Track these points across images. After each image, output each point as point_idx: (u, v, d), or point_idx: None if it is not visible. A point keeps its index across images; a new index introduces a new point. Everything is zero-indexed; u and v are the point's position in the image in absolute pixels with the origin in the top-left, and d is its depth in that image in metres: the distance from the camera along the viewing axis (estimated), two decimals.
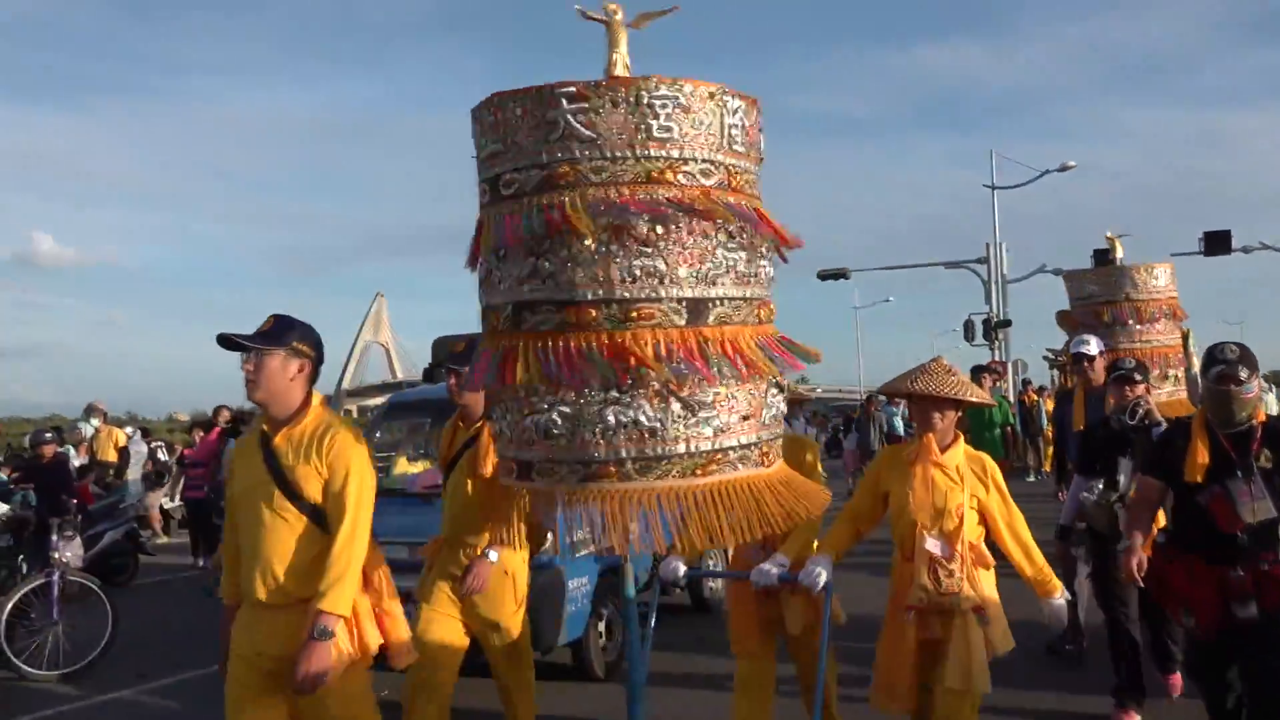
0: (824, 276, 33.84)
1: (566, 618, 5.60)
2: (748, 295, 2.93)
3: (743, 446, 2.88)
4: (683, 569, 4.46)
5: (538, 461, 2.86)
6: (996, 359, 26.05)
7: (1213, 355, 3.67)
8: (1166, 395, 7.18)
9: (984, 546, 3.93)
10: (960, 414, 3.92)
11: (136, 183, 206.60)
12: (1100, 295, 7.69)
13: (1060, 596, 3.91)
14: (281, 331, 3.15)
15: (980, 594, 3.75)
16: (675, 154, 2.77)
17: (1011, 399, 17.41)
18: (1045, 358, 16.38)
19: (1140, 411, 5.00)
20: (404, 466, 6.71)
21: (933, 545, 3.73)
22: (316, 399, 3.21)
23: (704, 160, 2.81)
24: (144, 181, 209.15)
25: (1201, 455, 3.64)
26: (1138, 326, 7.46)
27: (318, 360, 3.22)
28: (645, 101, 2.71)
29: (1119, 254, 8.29)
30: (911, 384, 3.81)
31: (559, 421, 2.76)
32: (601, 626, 6.05)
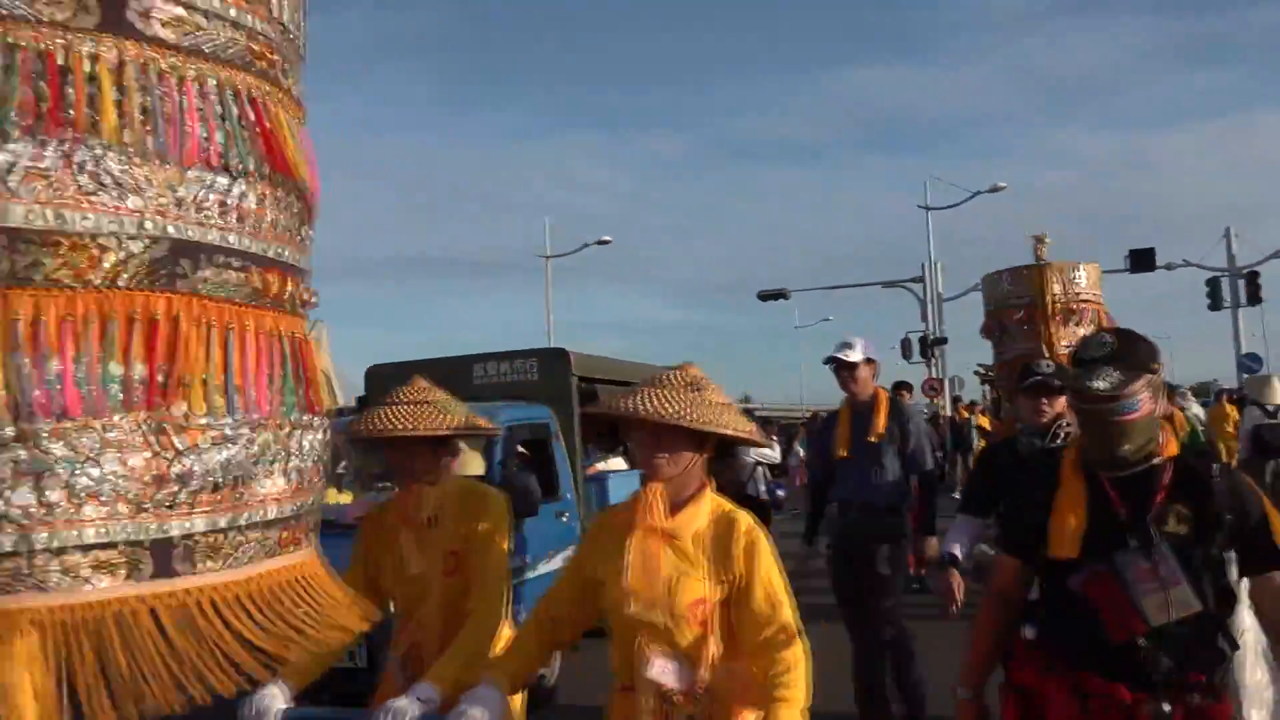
0: (764, 297, 34.22)
1: None
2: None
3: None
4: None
5: None
6: (933, 376, 26.51)
7: (1075, 354, 2.40)
8: None
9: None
10: (709, 454, 2.39)
11: None
12: (1017, 297, 7.13)
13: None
14: None
15: None
16: None
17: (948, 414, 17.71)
18: (976, 373, 16.41)
19: (1063, 434, 3.89)
20: (332, 496, 6.61)
21: (660, 669, 2.30)
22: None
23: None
24: None
25: (1071, 515, 2.32)
26: (1060, 330, 6.95)
27: None
28: None
29: (1044, 254, 7.62)
30: (623, 403, 2.30)
31: None
32: None
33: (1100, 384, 2.24)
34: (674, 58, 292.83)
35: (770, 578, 2.30)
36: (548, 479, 6.57)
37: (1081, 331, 6.77)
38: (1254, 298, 30.60)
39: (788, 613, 2.29)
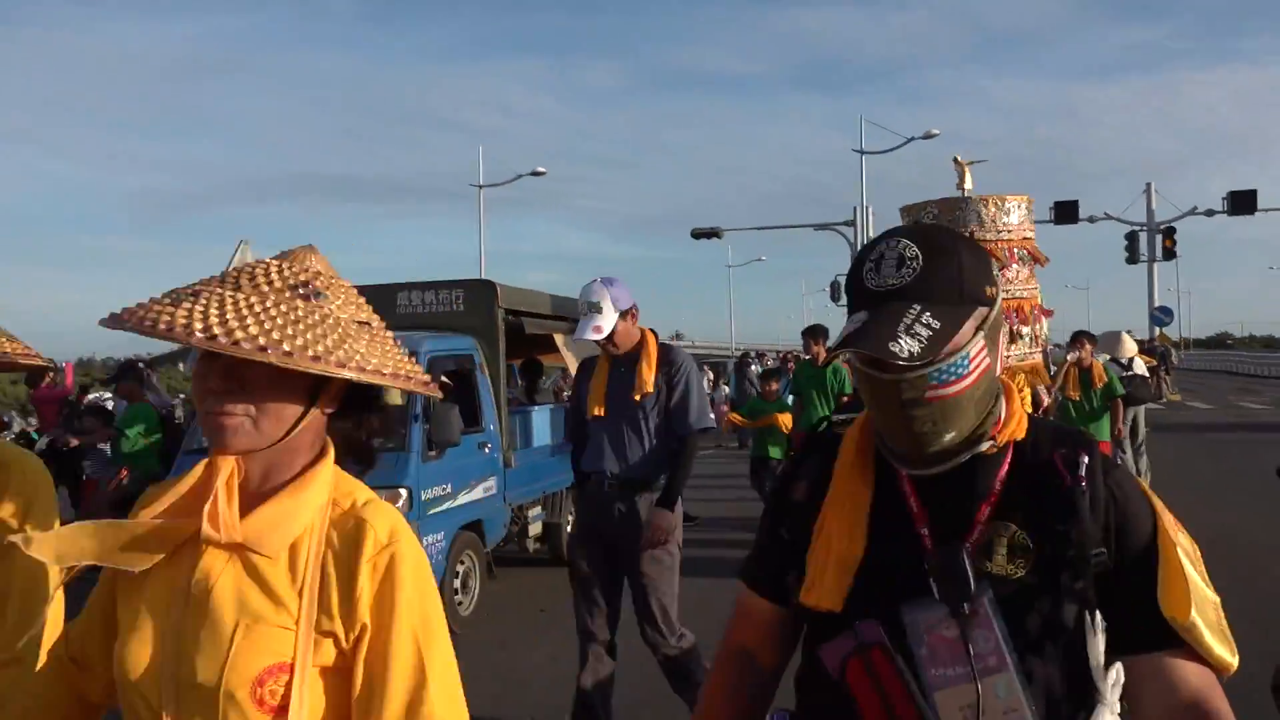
0: (697, 235, 34.23)
1: None
2: None
3: None
4: None
5: None
6: None
7: (850, 277, 1.39)
8: (1016, 360, 6.33)
9: None
10: (330, 408, 1.35)
11: None
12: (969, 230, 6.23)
13: None
14: None
15: None
16: None
17: None
18: None
19: None
20: None
21: None
22: None
23: None
24: None
25: (839, 538, 1.41)
26: (1013, 272, 6.39)
27: None
28: None
29: (968, 184, 6.85)
30: (168, 316, 1.18)
31: None
32: (457, 583, 6.07)
33: (904, 344, 1.23)
34: None
35: (422, 631, 1.27)
36: (471, 410, 6.58)
37: (1010, 275, 6.26)
38: (1169, 253, 31.58)
39: (438, 699, 1.25)
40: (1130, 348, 13.55)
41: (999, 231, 6.30)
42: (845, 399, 8.14)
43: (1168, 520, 1.40)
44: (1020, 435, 1.40)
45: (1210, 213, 30.82)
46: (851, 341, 1.27)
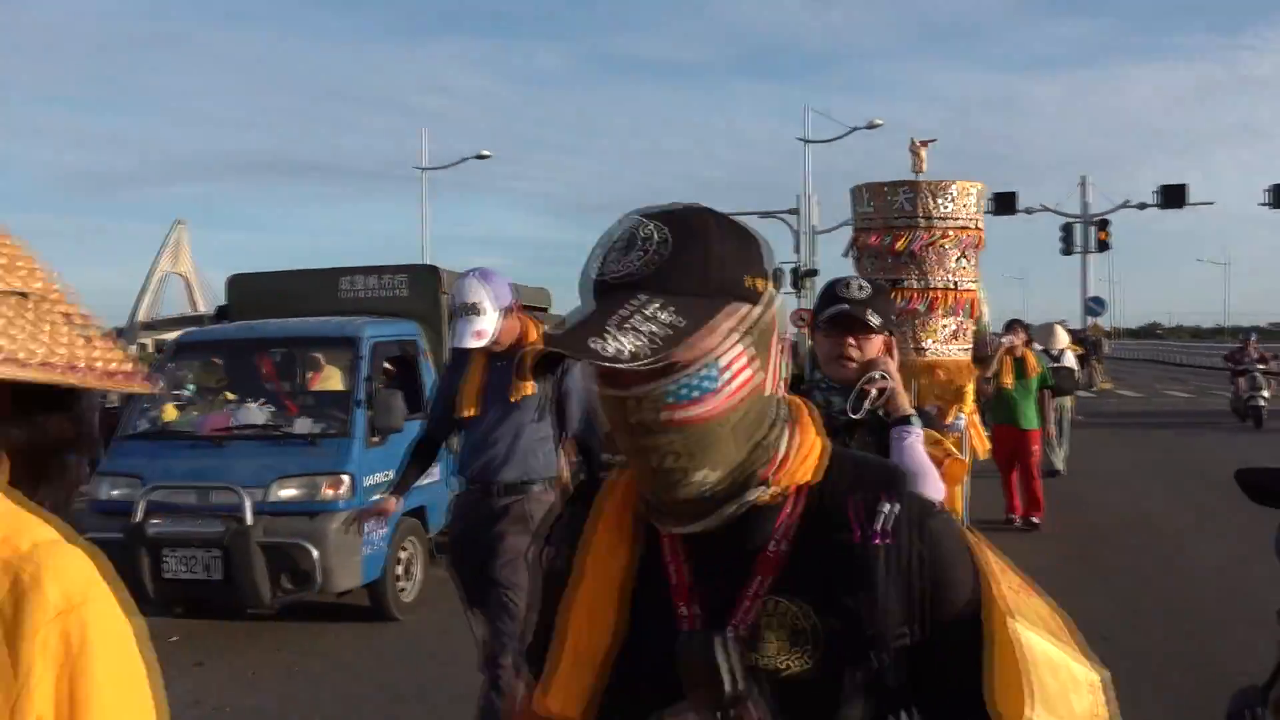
0: None
1: (363, 559, 5.61)
2: None
3: None
4: None
5: None
6: (802, 307, 27.23)
7: (587, 268, 0.99)
8: (955, 356, 6.43)
9: None
10: None
11: None
12: (881, 217, 6.16)
13: None
14: None
15: None
16: None
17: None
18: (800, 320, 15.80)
19: (872, 393, 2.42)
20: (171, 414, 6.39)
21: None
22: None
23: None
24: None
25: (590, 618, 1.05)
26: (930, 261, 6.14)
27: None
28: None
29: (922, 166, 6.70)
30: None
31: None
32: (400, 569, 6.08)
33: (613, 342, 0.91)
34: None
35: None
36: (414, 396, 6.57)
37: (951, 265, 6.16)
38: (1103, 245, 32.39)
39: None
40: (1062, 340, 13.97)
41: (947, 219, 6.17)
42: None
43: (1000, 586, 1.00)
44: (809, 477, 1.03)
45: (1142, 206, 31.68)
46: (552, 341, 0.96)
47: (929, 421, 2.59)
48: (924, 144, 6.80)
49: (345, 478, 5.55)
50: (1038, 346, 14.23)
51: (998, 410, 8.77)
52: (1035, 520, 8.60)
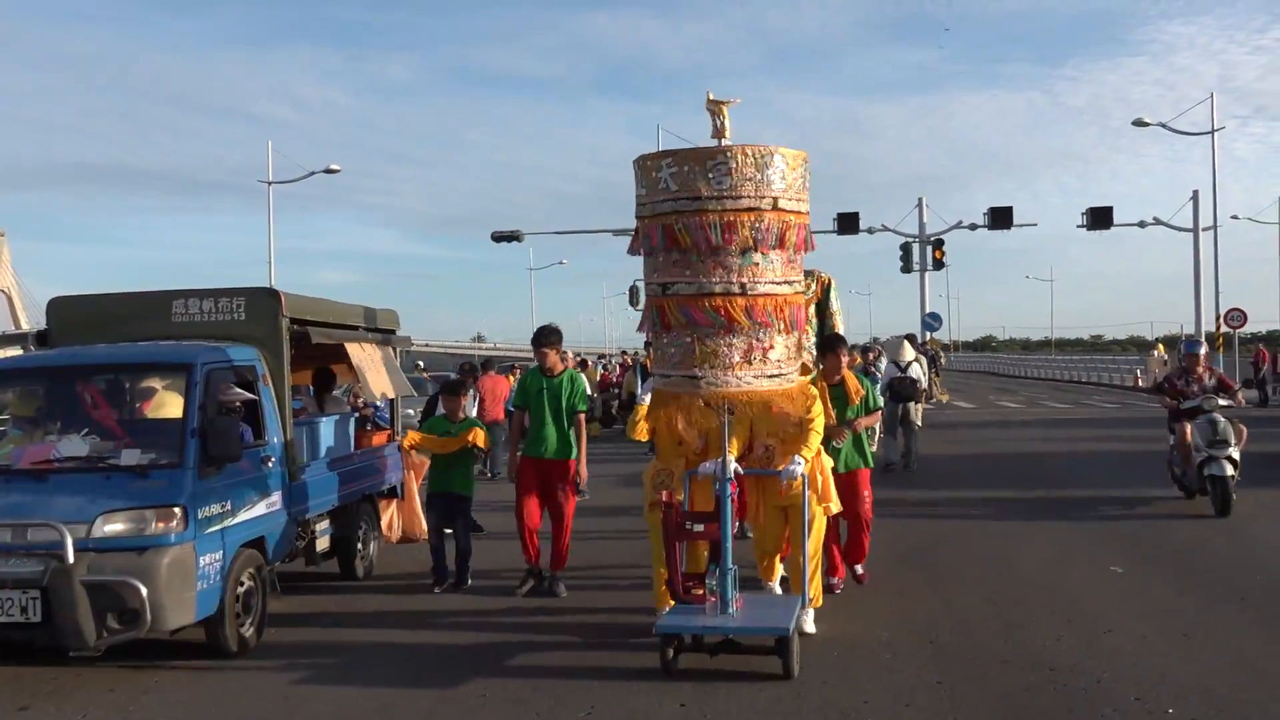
0: (498, 238, 34.14)
1: (197, 595, 5.38)
2: None
3: None
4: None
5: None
6: None
7: None
8: (769, 383, 5.32)
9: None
10: None
11: None
12: (663, 198, 5.00)
13: None
14: None
15: None
16: None
17: None
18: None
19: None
20: None
21: None
22: None
23: None
24: None
25: None
26: (730, 257, 4.99)
27: None
28: None
29: (726, 127, 5.25)
30: None
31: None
32: (239, 605, 5.85)
33: None
34: None
35: None
36: (255, 423, 6.36)
37: (757, 260, 5.03)
38: (939, 263, 34.11)
39: None
40: (909, 353, 14.69)
41: (747, 197, 4.93)
42: (581, 413, 7.30)
43: None
44: None
45: (974, 227, 33.51)
46: None
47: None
48: (723, 103, 5.31)
49: (177, 510, 5.30)
50: (884, 362, 14.98)
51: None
52: (859, 570, 7.22)
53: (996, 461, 15.02)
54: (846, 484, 6.85)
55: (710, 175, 4.98)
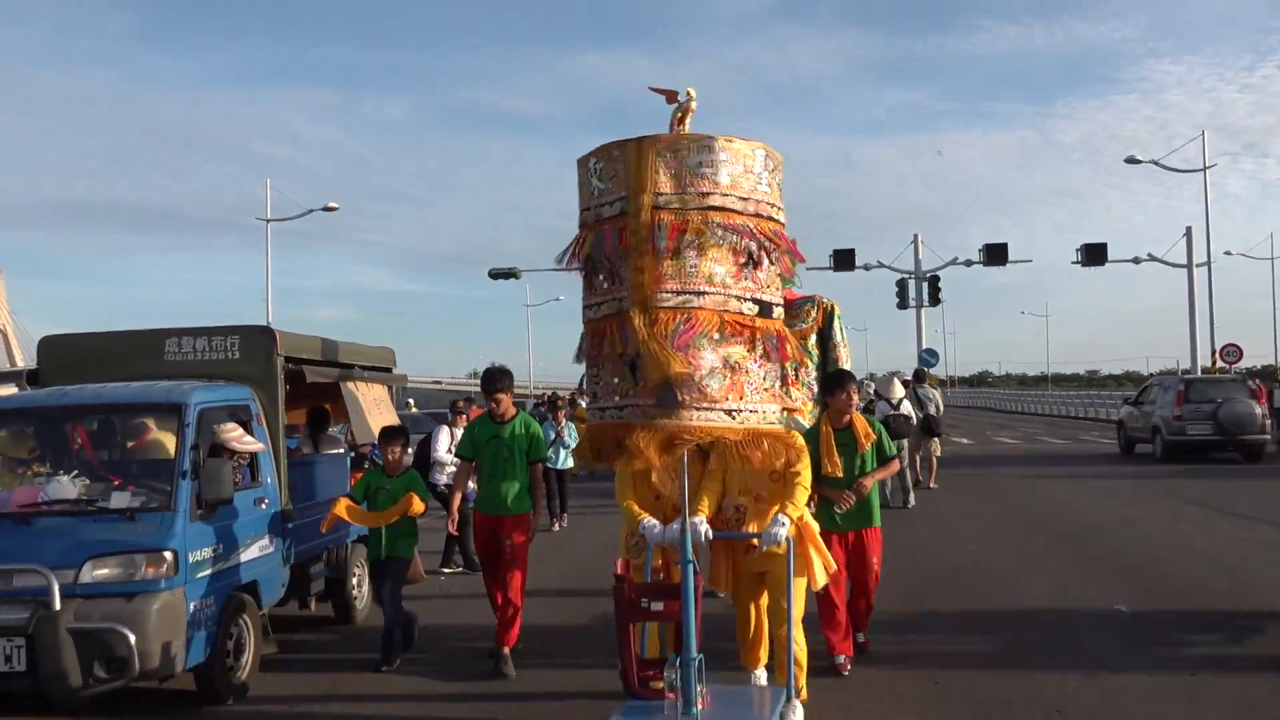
0: (495, 275, 34.25)
1: (188, 641, 5.27)
2: None
3: None
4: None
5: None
6: None
7: None
8: (731, 420, 4.03)
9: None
10: None
11: None
12: (597, 202, 4.07)
13: None
14: None
15: None
16: None
17: None
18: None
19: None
20: None
21: None
22: None
23: None
24: None
25: None
26: (693, 265, 3.87)
27: None
28: None
29: (688, 114, 4.12)
30: None
31: None
32: (230, 651, 5.74)
33: None
34: (404, 19, 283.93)
35: None
36: (248, 464, 6.28)
37: (722, 274, 3.99)
38: (935, 299, 34.16)
39: None
40: (899, 390, 14.62)
41: (718, 192, 3.96)
42: (539, 463, 6.50)
43: None
44: None
45: (969, 263, 33.62)
46: None
47: None
48: (660, 90, 4.24)
49: (168, 554, 5.20)
50: (881, 400, 14.88)
51: (822, 513, 5.79)
52: (860, 638, 6.24)
53: (996, 497, 14.93)
54: (853, 547, 5.92)
55: (696, 166, 4.03)
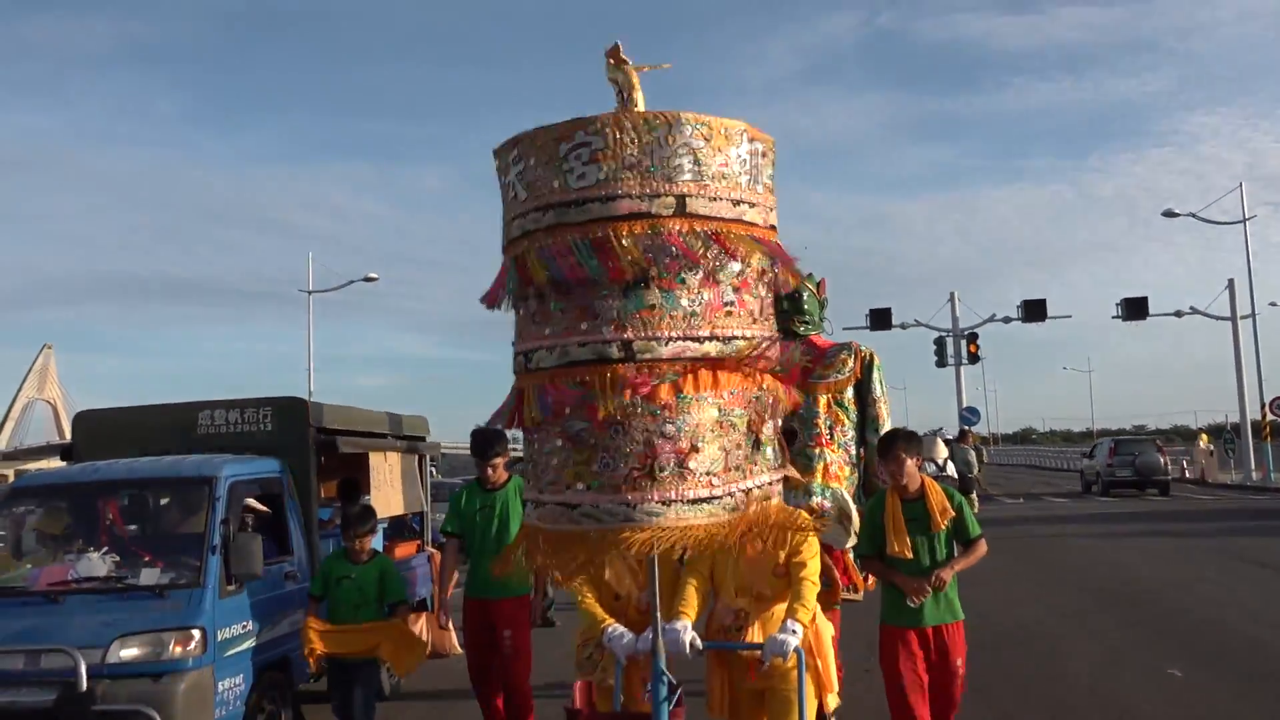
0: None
1: None
2: None
3: None
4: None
5: None
6: None
7: None
8: (698, 511, 2.92)
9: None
10: None
11: None
12: (514, 213, 3.13)
13: None
14: None
15: None
16: None
17: None
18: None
19: None
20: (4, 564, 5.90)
21: None
22: None
23: None
24: None
25: None
26: (609, 298, 2.90)
27: None
28: None
29: (638, 96, 3.18)
30: None
31: None
32: None
33: None
34: (439, 93, 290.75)
35: None
36: (279, 537, 6.24)
37: (726, 300, 2.99)
38: (974, 357, 33.84)
39: None
40: (942, 450, 14.36)
41: (716, 185, 2.98)
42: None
43: None
44: None
45: (1007, 319, 33.36)
46: None
47: None
48: (636, 68, 3.25)
49: (196, 632, 5.14)
50: (927, 461, 14.61)
51: (891, 604, 4.79)
52: None
53: (1042, 557, 14.53)
54: (936, 646, 4.67)
55: (567, 166, 2.95)
